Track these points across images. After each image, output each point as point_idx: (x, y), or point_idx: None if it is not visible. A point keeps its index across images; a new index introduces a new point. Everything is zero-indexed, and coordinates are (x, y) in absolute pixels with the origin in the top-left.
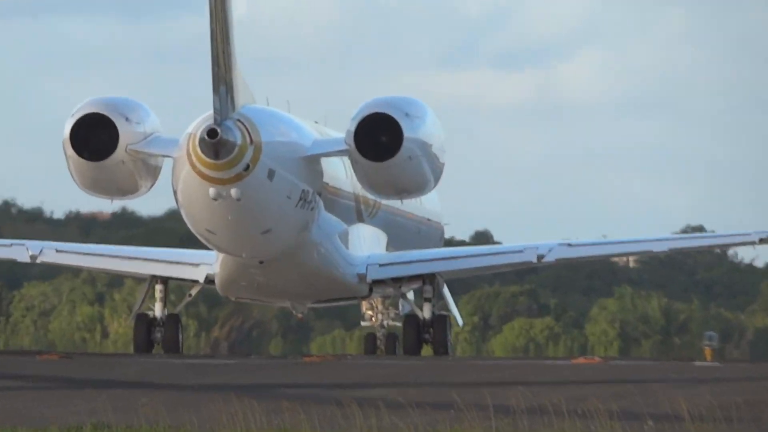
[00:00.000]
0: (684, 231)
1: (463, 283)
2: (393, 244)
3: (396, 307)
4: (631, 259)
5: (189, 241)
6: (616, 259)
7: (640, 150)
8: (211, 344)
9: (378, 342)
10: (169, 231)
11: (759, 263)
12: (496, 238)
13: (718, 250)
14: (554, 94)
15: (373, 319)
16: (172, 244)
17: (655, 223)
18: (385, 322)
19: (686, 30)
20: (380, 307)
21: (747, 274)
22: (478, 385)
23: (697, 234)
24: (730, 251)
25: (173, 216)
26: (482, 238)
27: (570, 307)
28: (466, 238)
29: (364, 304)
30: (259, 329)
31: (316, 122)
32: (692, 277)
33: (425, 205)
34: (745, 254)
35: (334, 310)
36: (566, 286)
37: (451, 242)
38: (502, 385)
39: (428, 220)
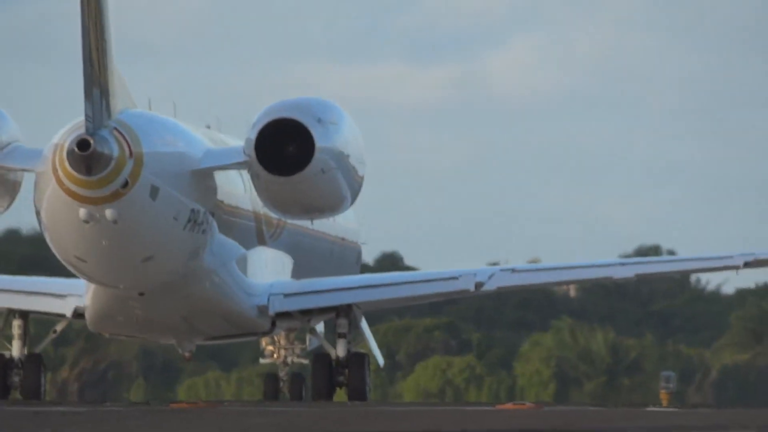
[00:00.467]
0: (639, 252)
1: (366, 315)
2: (300, 270)
3: (302, 341)
4: (571, 286)
5: (31, 267)
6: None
7: (581, 154)
8: (58, 388)
9: (281, 384)
10: (4, 256)
11: (727, 289)
12: (406, 262)
13: (678, 276)
14: (478, 89)
15: (275, 355)
16: (9, 271)
17: (601, 241)
18: (289, 359)
19: (635, 14)
20: (283, 341)
21: (712, 303)
22: None
23: (669, 258)
24: (693, 277)
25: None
26: (389, 261)
27: (496, 344)
28: (370, 261)
29: (264, 339)
30: (116, 370)
31: (208, 127)
32: (646, 308)
33: (339, 222)
34: (710, 279)
35: (208, 347)
36: (491, 319)
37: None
38: None
39: (342, 239)
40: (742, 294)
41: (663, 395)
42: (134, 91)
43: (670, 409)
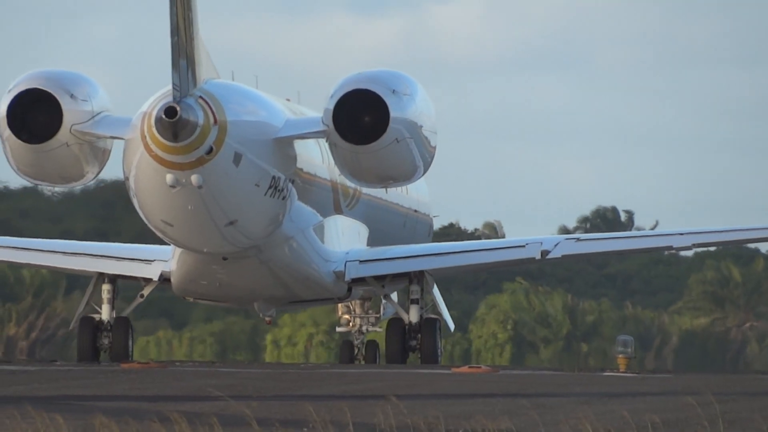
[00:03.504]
0: (596, 212)
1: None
2: (375, 239)
3: (377, 310)
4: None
5: None
6: None
7: (537, 115)
8: (4, 345)
9: (356, 351)
10: None
11: (685, 253)
12: None
13: (732, 247)
14: (427, 45)
15: (351, 324)
16: None
17: (557, 203)
18: (364, 328)
19: None
20: (358, 310)
21: (670, 266)
22: (338, 399)
23: (726, 228)
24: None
25: None
26: None
27: (451, 306)
28: None
29: (341, 308)
30: (67, 329)
31: (288, 99)
32: (602, 270)
33: (412, 195)
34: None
35: (157, 305)
36: (446, 281)
37: None
38: (366, 399)
39: (415, 211)
40: (701, 257)
41: (620, 360)
42: (220, 64)
43: (627, 375)
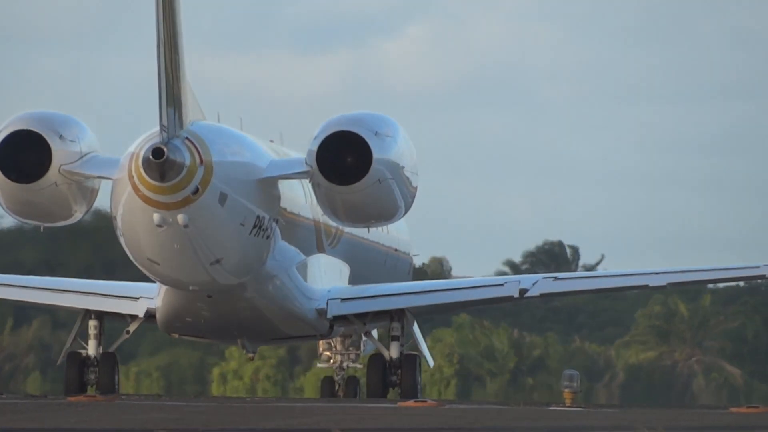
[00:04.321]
0: (542, 246)
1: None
2: (357, 277)
3: (357, 347)
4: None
5: None
6: None
7: (481, 149)
8: None
9: (336, 387)
10: None
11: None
12: None
13: (708, 284)
14: (371, 80)
15: (332, 360)
16: None
17: (503, 238)
18: (345, 364)
19: (532, 4)
20: (339, 347)
21: (617, 300)
22: None
23: (700, 267)
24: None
25: None
26: None
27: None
28: None
29: (322, 344)
30: (12, 363)
31: (272, 141)
32: (548, 304)
33: (393, 234)
34: None
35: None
36: None
37: None
38: None
39: (395, 250)
40: (647, 292)
41: (566, 394)
42: (206, 106)
43: (573, 408)
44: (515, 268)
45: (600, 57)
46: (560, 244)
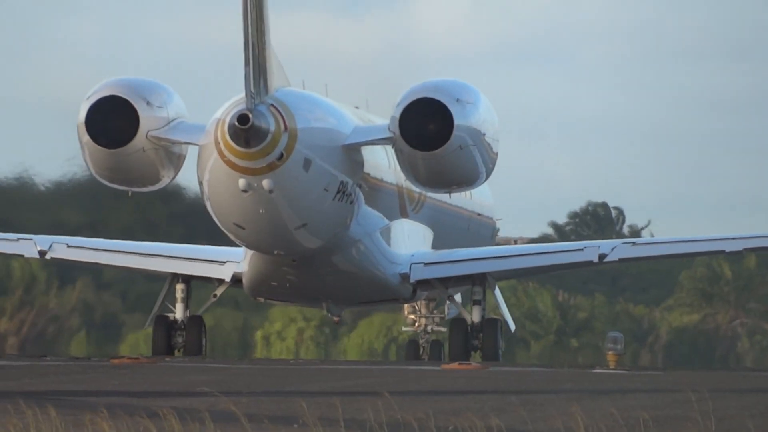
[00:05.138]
0: (586, 208)
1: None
2: (440, 242)
3: (441, 311)
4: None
5: None
6: None
7: (525, 111)
8: None
9: (421, 350)
10: None
11: None
12: None
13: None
14: (410, 40)
15: (416, 324)
16: None
17: (547, 199)
18: (429, 328)
19: None
20: (424, 310)
21: (661, 262)
22: (329, 395)
23: None
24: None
25: None
26: None
27: (443, 300)
28: None
29: (407, 308)
30: (57, 325)
31: (357, 107)
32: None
33: (475, 199)
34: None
35: (149, 300)
36: None
37: None
38: (357, 395)
39: (479, 215)
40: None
41: (610, 357)
42: (291, 74)
43: (618, 371)
44: (559, 230)
45: (645, 16)
46: (605, 205)
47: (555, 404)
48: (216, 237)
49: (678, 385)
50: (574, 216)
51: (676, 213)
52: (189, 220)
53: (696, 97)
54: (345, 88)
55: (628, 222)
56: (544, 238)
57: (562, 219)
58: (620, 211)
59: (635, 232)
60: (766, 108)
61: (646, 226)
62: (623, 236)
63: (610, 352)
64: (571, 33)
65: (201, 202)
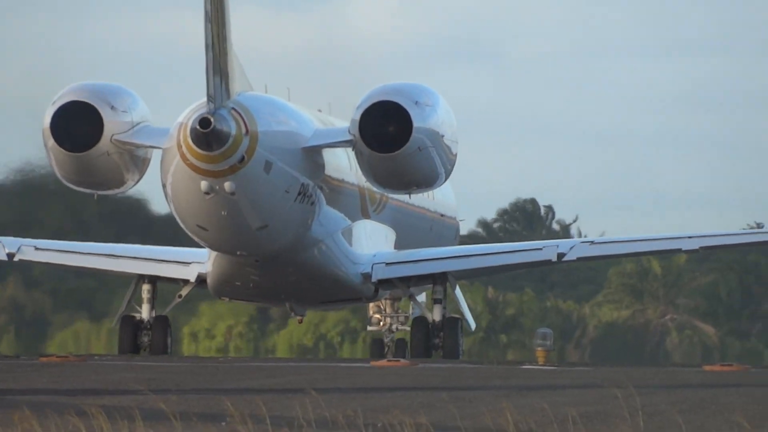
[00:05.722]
0: (515, 204)
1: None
2: (402, 242)
3: (406, 310)
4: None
5: None
6: None
7: (453, 108)
8: None
9: (386, 349)
10: None
11: None
12: None
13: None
14: (339, 38)
15: (381, 323)
16: None
17: (476, 196)
18: (394, 327)
19: None
20: (389, 310)
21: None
22: (256, 392)
23: (731, 232)
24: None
25: None
26: None
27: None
28: None
29: (372, 307)
30: None
31: (320, 111)
32: None
33: (438, 200)
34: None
35: (79, 297)
36: None
37: None
38: (285, 393)
39: (442, 216)
40: None
41: (539, 353)
42: (253, 78)
43: (547, 367)
44: (487, 227)
45: (576, 11)
46: (533, 201)
47: (484, 401)
48: (147, 236)
49: (607, 381)
50: (503, 213)
51: (604, 210)
52: (120, 219)
53: (624, 95)
54: (307, 92)
55: (557, 218)
56: (473, 235)
57: (491, 215)
58: (549, 208)
59: (564, 227)
60: (695, 104)
61: (574, 221)
62: (553, 232)
63: (539, 348)
64: (498, 30)
65: (132, 201)
